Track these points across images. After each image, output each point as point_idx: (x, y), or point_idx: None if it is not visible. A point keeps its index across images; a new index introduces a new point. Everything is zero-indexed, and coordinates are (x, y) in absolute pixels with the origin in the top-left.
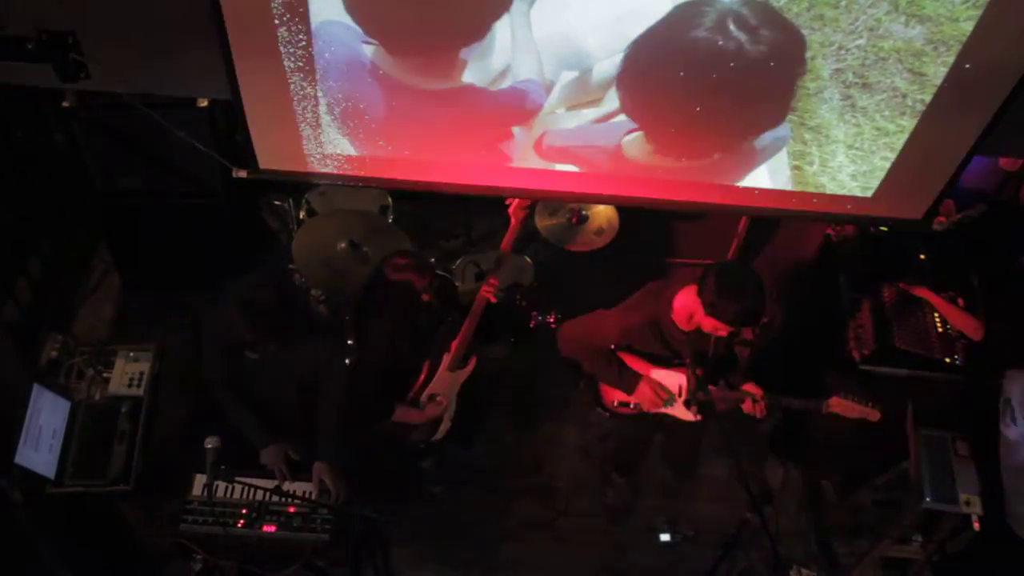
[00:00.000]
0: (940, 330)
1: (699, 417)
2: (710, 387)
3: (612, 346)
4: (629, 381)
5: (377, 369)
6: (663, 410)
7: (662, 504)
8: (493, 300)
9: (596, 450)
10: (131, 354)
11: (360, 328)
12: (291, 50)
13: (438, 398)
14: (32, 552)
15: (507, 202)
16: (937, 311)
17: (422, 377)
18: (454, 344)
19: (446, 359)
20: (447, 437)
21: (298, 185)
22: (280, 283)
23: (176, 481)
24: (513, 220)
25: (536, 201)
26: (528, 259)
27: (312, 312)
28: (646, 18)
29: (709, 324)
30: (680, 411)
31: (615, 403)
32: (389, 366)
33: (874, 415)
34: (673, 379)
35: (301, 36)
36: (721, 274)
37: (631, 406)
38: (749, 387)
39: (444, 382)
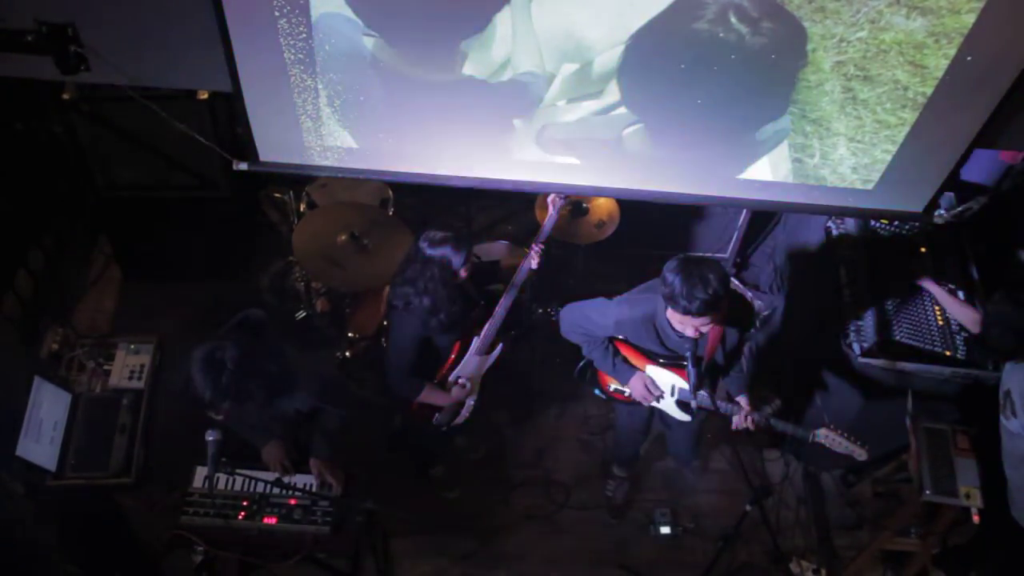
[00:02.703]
0: (941, 323)
1: (688, 419)
2: (703, 392)
3: (609, 335)
4: (622, 372)
5: (408, 346)
6: (654, 405)
7: (662, 496)
8: (535, 265)
9: (596, 442)
10: (132, 346)
11: (392, 303)
12: (291, 42)
13: (461, 380)
14: (33, 544)
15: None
16: (938, 303)
17: (451, 359)
18: (484, 328)
19: (476, 342)
20: (467, 422)
21: (299, 178)
22: (242, 343)
23: (177, 473)
24: (551, 209)
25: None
26: (528, 251)
27: (274, 373)
28: (647, 10)
29: (677, 320)
30: (671, 408)
31: (611, 387)
32: (420, 343)
33: (861, 454)
34: (667, 378)
35: (301, 28)
36: (682, 265)
37: (626, 393)
38: (743, 400)
39: (472, 366)
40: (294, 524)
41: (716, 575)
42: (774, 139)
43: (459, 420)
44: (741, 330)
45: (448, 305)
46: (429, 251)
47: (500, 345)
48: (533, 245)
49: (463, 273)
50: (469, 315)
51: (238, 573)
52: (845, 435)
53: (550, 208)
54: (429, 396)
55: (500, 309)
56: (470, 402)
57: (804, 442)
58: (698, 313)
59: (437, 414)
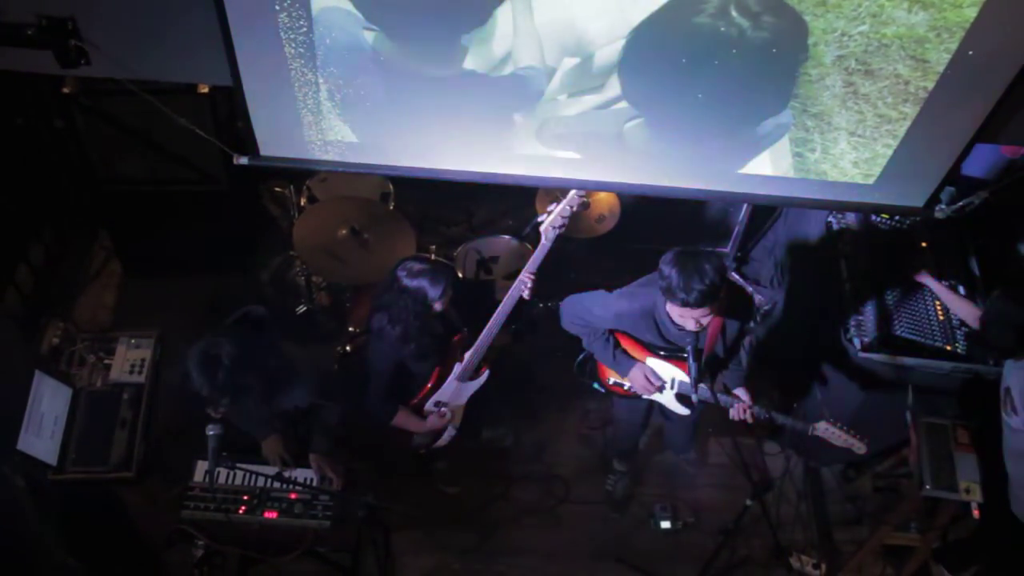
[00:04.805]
0: (941, 318)
1: (688, 412)
2: (703, 386)
3: (609, 327)
4: (622, 363)
5: (382, 371)
6: (654, 397)
7: (663, 491)
8: (527, 295)
9: (596, 437)
10: (132, 341)
11: (369, 329)
12: (292, 36)
13: (442, 408)
14: (34, 538)
15: (539, 220)
16: (938, 298)
17: (430, 384)
18: (467, 354)
19: (457, 368)
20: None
21: (299, 172)
22: (239, 339)
23: (178, 468)
24: (543, 239)
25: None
26: (528, 246)
27: (271, 369)
28: (648, 4)
29: (676, 313)
30: (670, 402)
31: (610, 381)
32: (394, 368)
33: (860, 447)
34: (667, 370)
35: (302, 22)
36: (678, 257)
37: (625, 387)
38: (741, 392)
39: (452, 391)
40: (295, 519)
41: (716, 570)
42: (775, 133)
43: (440, 444)
44: (741, 322)
45: (420, 336)
46: (406, 281)
47: (486, 371)
48: (523, 274)
49: (438, 306)
50: (447, 343)
51: (238, 567)
52: (844, 428)
53: (542, 238)
54: (403, 421)
55: (483, 338)
56: (451, 429)
57: (803, 435)
58: (696, 304)
59: (415, 437)
